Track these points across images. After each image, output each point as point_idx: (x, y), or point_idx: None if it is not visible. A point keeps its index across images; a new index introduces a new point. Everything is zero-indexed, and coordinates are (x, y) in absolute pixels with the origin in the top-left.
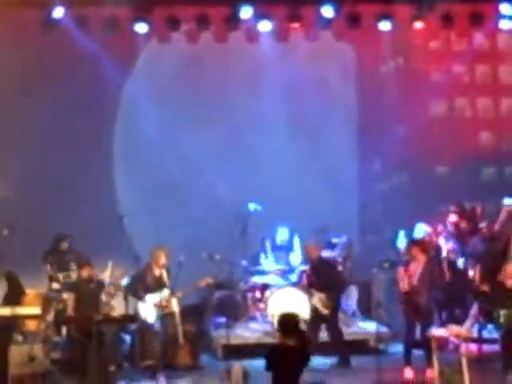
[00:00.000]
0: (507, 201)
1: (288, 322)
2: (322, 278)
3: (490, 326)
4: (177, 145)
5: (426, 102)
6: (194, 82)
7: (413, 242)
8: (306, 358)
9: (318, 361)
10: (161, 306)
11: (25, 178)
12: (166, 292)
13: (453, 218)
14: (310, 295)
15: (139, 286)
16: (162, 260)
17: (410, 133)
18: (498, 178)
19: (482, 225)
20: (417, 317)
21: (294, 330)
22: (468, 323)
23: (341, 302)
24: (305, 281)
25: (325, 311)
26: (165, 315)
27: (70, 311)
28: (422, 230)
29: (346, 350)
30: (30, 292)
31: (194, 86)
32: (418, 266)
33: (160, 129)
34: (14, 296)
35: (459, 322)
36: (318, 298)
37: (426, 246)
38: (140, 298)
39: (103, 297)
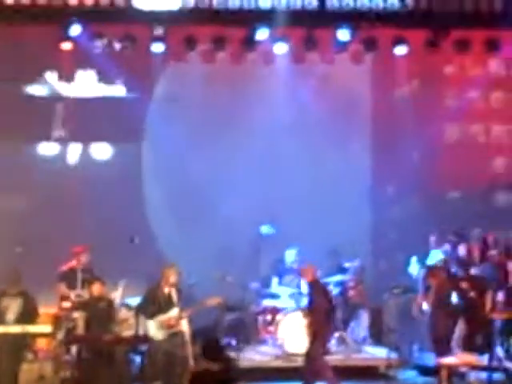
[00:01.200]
0: None
1: (211, 347)
2: (310, 301)
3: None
4: (193, 165)
5: (440, 127)
6: (212, 102)
7: (427, 269)
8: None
9: None
10: (169, 326)
11: (35, 193)
12: (175, 311)
13: (462, 250)
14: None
15: (149, 305)
16: (172, 278)
17: (424, 157)
18: (511, 204)
19: (493, 252)
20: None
21: (217, 355)
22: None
23: (326, 329)
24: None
25: (307, 335)
26: (174, 335)
27: (80, 330)
28: (436, 256)
29: (310, 379)
30: (43, 311)
31: (211, 106)
32: (431, 293)
33: (180, 149)
34: (28, 316)
35: (471, 349)
36: (306, 323)
37: (437, 272)
38: (150, 317)
39: (115, 316)
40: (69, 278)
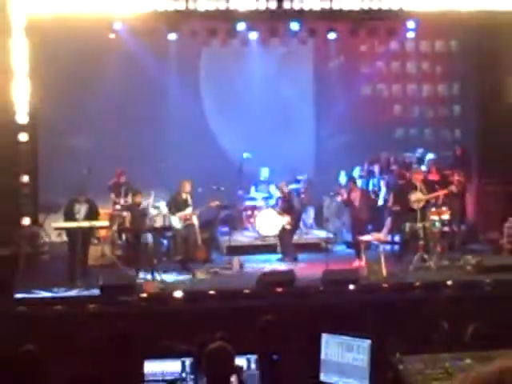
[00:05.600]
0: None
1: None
2: (289, 206)
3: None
4: (197, 110)
5: (358, 86)
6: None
7: (351, 179)
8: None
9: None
10: (186, 219)
11: (101, 134)
12: (189, 210)
13: (376, 167)
14: (282, 216)
15: (172, 206)
16: (187, 188)
17: (348, 107)
18: (405, 136)
19: (394, 167)
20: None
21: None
22: (385, 231)
23: (299, 222)
24: (280, 206)
25: (288, 227)
26: (188, 226)
27: (127, 224)
28: (357, 171)
29: (295, 250)
30: (102, 212)
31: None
32: (356, 195)
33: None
34: (93, 215)
35: (379, 230)
36: (286, 220)
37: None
38: (173, 213)
39: (150, 214)
40: (116, 190)
